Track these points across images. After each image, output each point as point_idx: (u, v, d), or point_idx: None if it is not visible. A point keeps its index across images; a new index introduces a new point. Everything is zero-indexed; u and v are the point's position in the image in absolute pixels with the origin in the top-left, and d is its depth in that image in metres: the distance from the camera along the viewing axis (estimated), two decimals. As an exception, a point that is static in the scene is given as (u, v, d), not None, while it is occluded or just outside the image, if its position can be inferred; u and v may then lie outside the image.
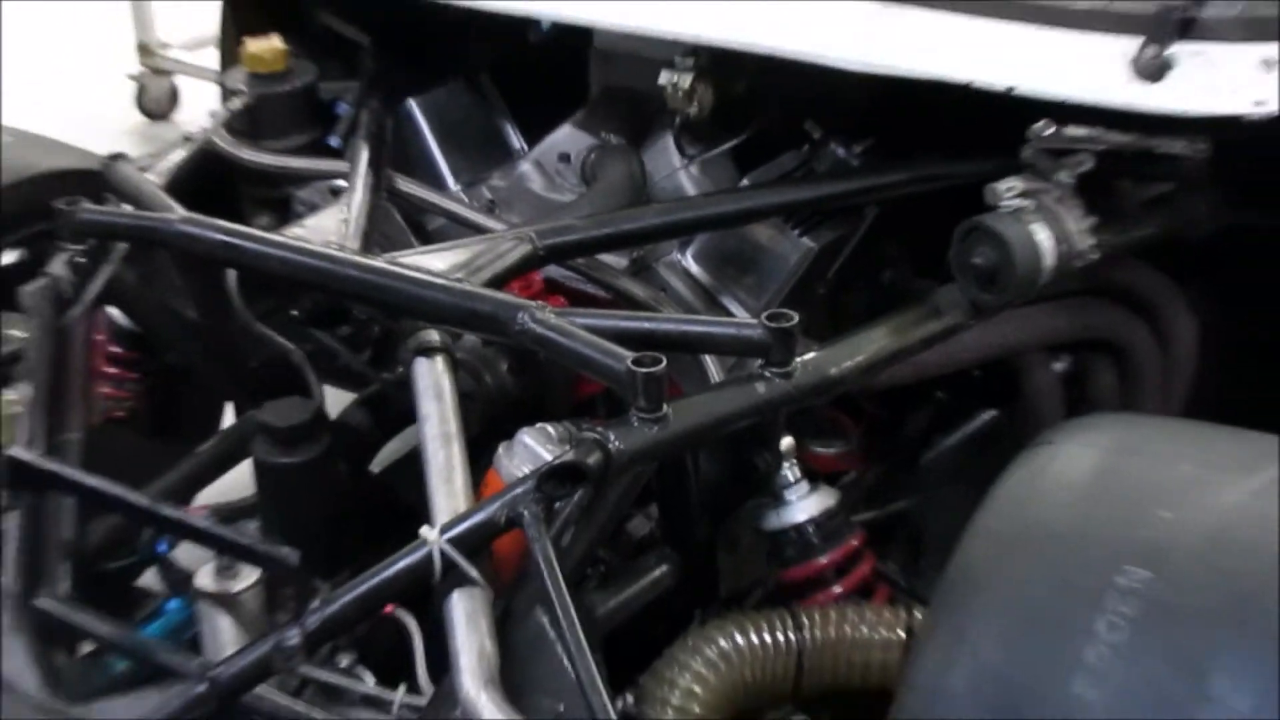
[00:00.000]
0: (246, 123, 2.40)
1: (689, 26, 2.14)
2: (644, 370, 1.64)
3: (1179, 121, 1.92)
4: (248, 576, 1.79)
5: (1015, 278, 1.87)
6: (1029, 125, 1.94)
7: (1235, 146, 1.94)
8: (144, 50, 5.32)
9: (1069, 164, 1.93)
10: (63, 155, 2.47)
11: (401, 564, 1.61)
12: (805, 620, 1.75)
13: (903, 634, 1.75)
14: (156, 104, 5.40)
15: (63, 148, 2.50)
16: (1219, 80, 1.91)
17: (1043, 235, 1.87)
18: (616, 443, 1.64)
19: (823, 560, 1.85)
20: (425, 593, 1.63)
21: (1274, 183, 2.00)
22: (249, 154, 2.37)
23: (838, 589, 1.86)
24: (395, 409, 2.11)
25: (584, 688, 1.52)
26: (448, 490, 1.72)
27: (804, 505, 1.85)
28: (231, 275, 2.18)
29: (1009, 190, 1.91)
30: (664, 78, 2.16)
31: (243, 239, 2.01)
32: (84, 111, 5.37)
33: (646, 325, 1.86)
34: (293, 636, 1.61)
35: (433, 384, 1.84)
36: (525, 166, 2.39)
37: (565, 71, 2.43)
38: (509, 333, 1.79)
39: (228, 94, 2.45)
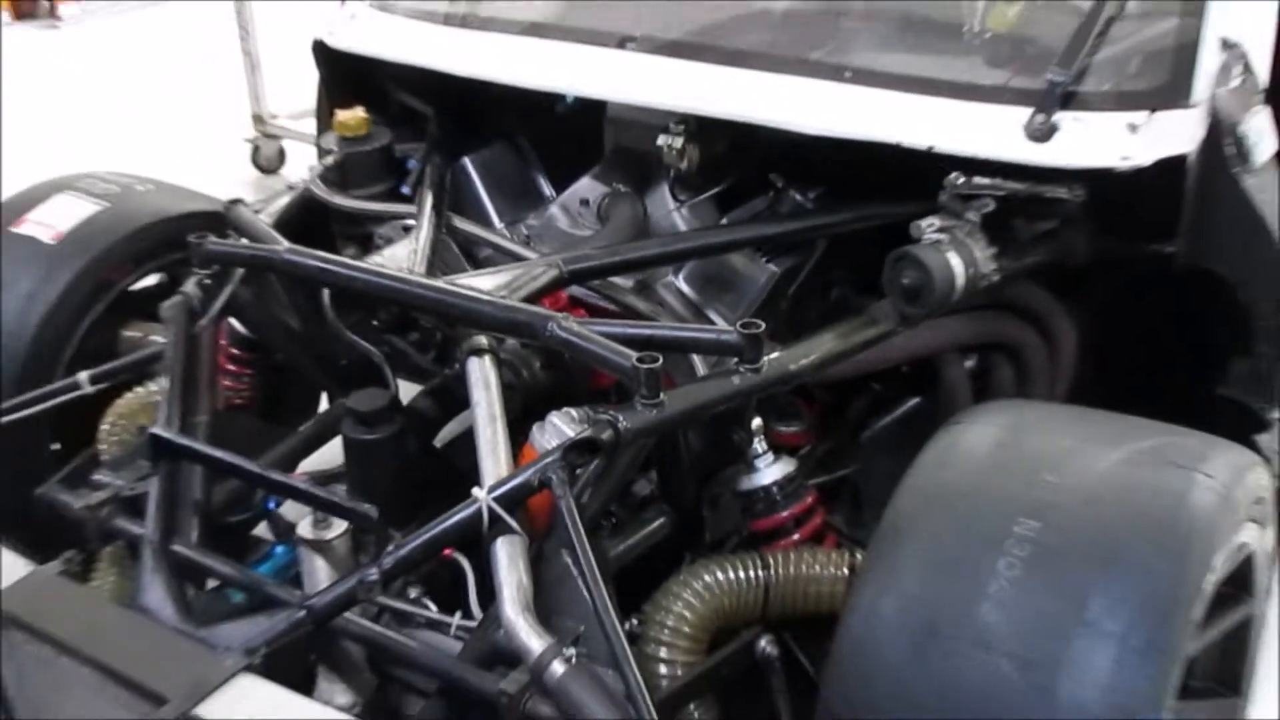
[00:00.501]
0: (337, 175, 2.38)
1: (680, 100, 2.13)
2: (645, 366, 1.64)
3: (1062, 173, 1.90)
4: (338, 527, 1.79)
5: (934, 295, 1.85)
6: (945, 176, 1.92)
7: (1104, 192, 1.92)
8: (257, 120, 5.31)
9: (975, 206, 1.90)
10: (193, 200, 2.44)
11: (458, 517, 1.61)
12: (771, 561, 1.74)
13: (847, 571, 1.73)
14: (268, 161, 5.38)
15: (192, 194, 2.48)
16: (1093, 141, 1.90)
17: (955, 261, 1.85)
18: (624, 423, 1.63)
19: (784, 514, 1.84)
20: (476, 539, 1.62)
21: (1133, 220, 1.98)
22: (339, 199, 2.34)
23: (796, 536, 1.84)
24: (453, 397, 2.08)
25: (599, 613, 1.51)
26: (494, 460, 1.72)
27: (770, 471, 1.83)
28: (325, 294, 2.18)
29: (929, 226, 1.88)
30: (661, 140, 2.15)
31: (335, 265, 2.01)
32: (210, 167, 5.36)
33: (646, 331, 1.86)
34: (372, 574, 1.60)
35: (482, 378, 1.84)
36: (554, 209, 2.37)
37: (585, 135, 2.41)
38: (540, 337, 1.79)
39: (322, 153, 2.43)
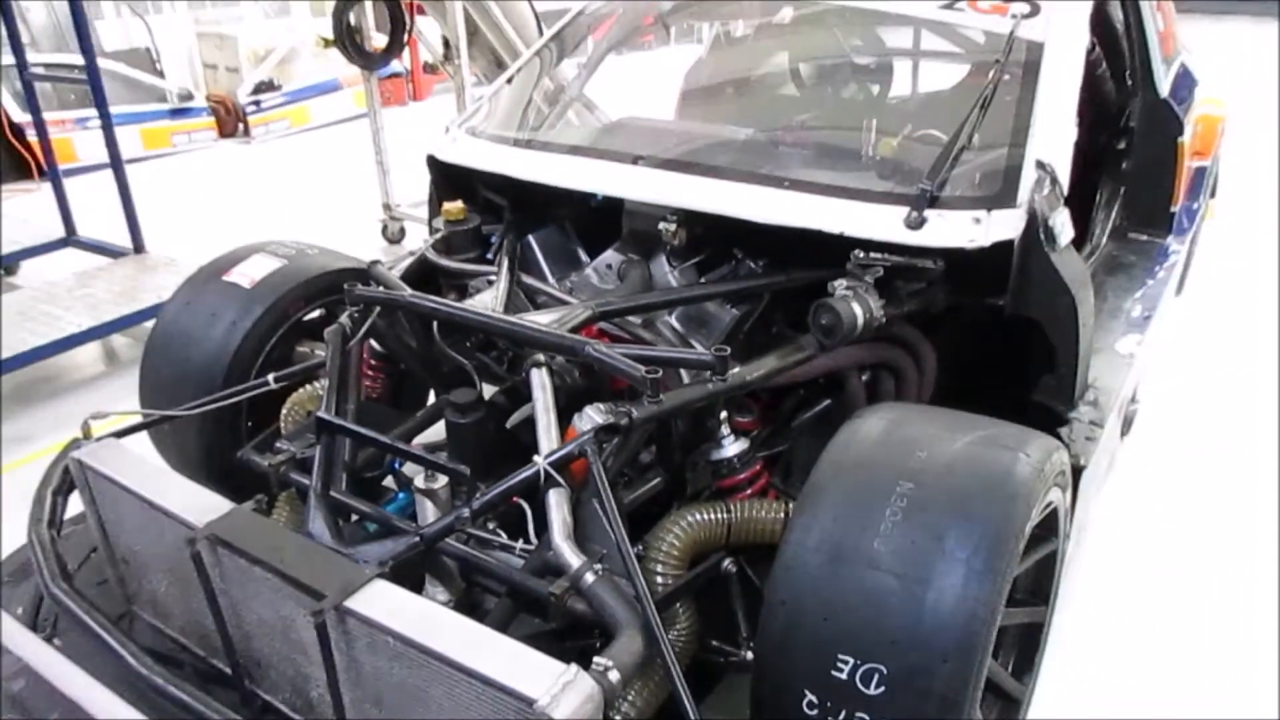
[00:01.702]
0: (444, 245, 2.36)
1: (674, 198, 2.11)
2: (650, 376, 1.63)
3: (928, 250, 1.89)
4: (441, 480, 1.76)
5: (843, 331, 1.84)
6: (849, 252, 1.91)
7: (957, 263, 1.92)
8: (386, 207, 5.29)
9: (871, 272, 1.88)
10: (343, 260, 2.41)
11: (523, 475, 1.60)
12: (732, 507, 1.72)
13: (783, 515, 1.72)
14: (392, 236, 5.35)
15: (342, 256, 2.46)
16: (950, 229, 1.88)
17: (857, 309, 1.84)
18: (636, 413, 1.63)
19: (741, 476, 1.82)
20: (534, 491, 1.61)
21: (975, 282, 1.96)
22: (445, 262, 2.32)
23: (749, 491, 1.82)
24: (519, 395, 2.05)
25: (618, 541, 1.51)
26: (548, 437, 1.70)
27: (732, 448, 1.81)
28: (435, 325, 2.16)
29: (840, 285, 1.88)
30: (661, 225, 2.12)
31: (443, 306, 2.00)
32: (354, 238, 5.36)
33: (651, 352, 1.84)
34: (465, 513, 1.59)
35: (540, 382, 1.82)
36: (588, 271, 2.34)
37: (609, 221, 2.37)
38: (579, 355, 1.78)
39: (433, 230, 2.40)
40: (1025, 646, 1.80)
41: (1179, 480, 3.00)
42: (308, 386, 2.11)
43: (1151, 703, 2.19)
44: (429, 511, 1.78)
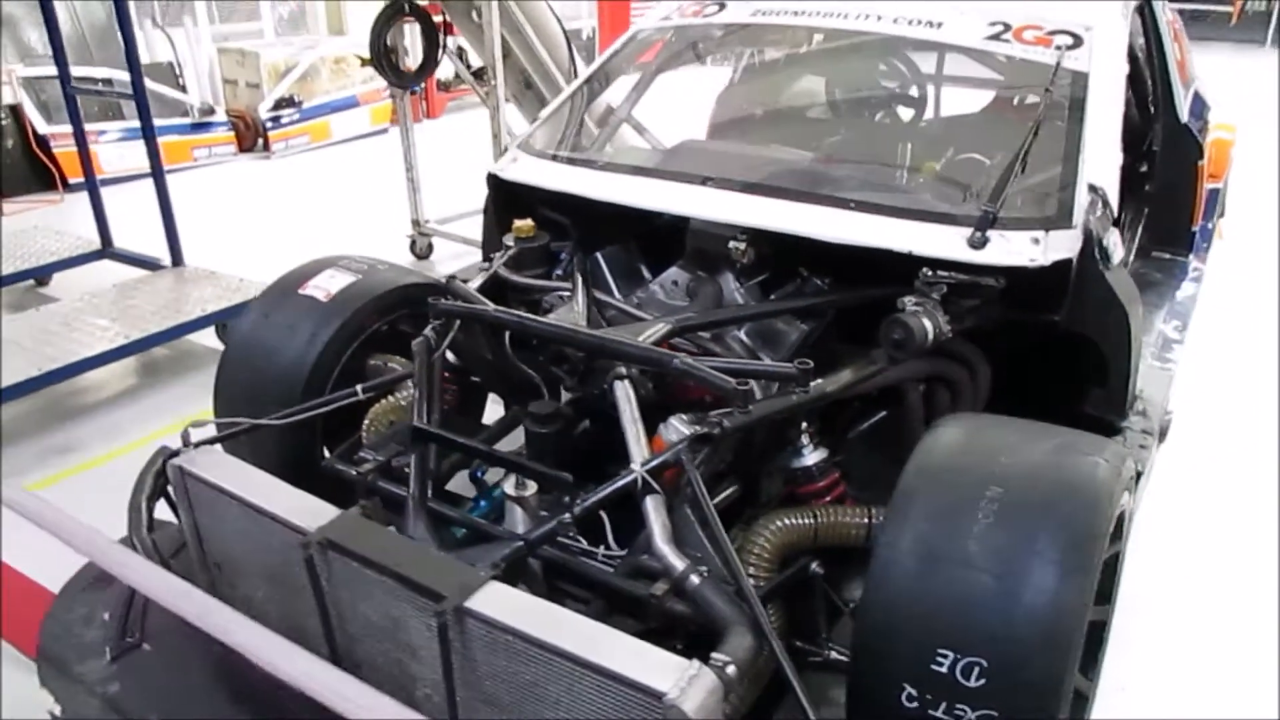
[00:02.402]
0: (514, 263, 2.40)
1: (744, 218, 2.15)
2: (742, 388, 1.69)
3: (990, 269, 1.94)
4: (531, 487, 1.81)
5: (914, 346, 1.87)
6: (910, 272, 1.96)
7: (1015, 281, 1.95)
8: (415, 223, 5.35)
9: (937, 289, 1.93)
10: (411, 275, 2.44)
11: (621, 482, 1.64)
12: (818, 513, 1.77)
13: (865, 520, 1.76)
14: (421, 252, 5.40)
15: (410, 271, 2.49)
16: (1011, 249, 1.94)
17: (927, 324, 1.88)
18: (727, 423, 1.68)
19: (821, 484, 1.87)
20: (623, 501, 1.65)
21: (1032, 300, 2.00)
22: (516, 278, 2.35)
23: (827, 498, 1.87)
24: (588, 406, 2.05)
25: (720, 544, 1.57)
26: (639, 446, 1.73)
27: (811, 456, 1.86)
28: (507, 338, 2.16)
29: (909, 301, 1.92)
30: (731, 244, 2.15)
31: (530, 320, 2.03)
32: (380, 253, 5.42)
33: (736, 365, 1.89)
34: (567, 517, 1.64)
35: (625, 394, 1.85)
36: (654, 287, 2.36)
37: (671, 241, 2.40)
38: (669, 369, 1.81)
39: (505, 248, 2.42)
40: (1090, 645, 1.85)
41: (1184, 483, 3.08)
42: (389, 398, 2.15)
43: (1151, 702, 2.26)
44: (518, 518, 1.83)
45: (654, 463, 1.65)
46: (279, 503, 1.69)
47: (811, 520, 1.75)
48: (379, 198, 6.69)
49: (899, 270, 2.00)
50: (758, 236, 2.16)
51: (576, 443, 2.04)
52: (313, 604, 1.64)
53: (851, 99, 3.15)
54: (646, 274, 2.44)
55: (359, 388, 2.06)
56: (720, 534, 1.54)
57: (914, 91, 3.26)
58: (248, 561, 1.80)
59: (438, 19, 4.94)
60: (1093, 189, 2.03)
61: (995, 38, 2.41)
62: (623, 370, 1.90)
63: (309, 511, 1.66)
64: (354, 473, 1.94)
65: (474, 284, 2.29)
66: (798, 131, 3.00)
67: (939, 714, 1.41)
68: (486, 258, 2.74)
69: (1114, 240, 2.02)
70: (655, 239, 2.46)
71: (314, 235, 5.84)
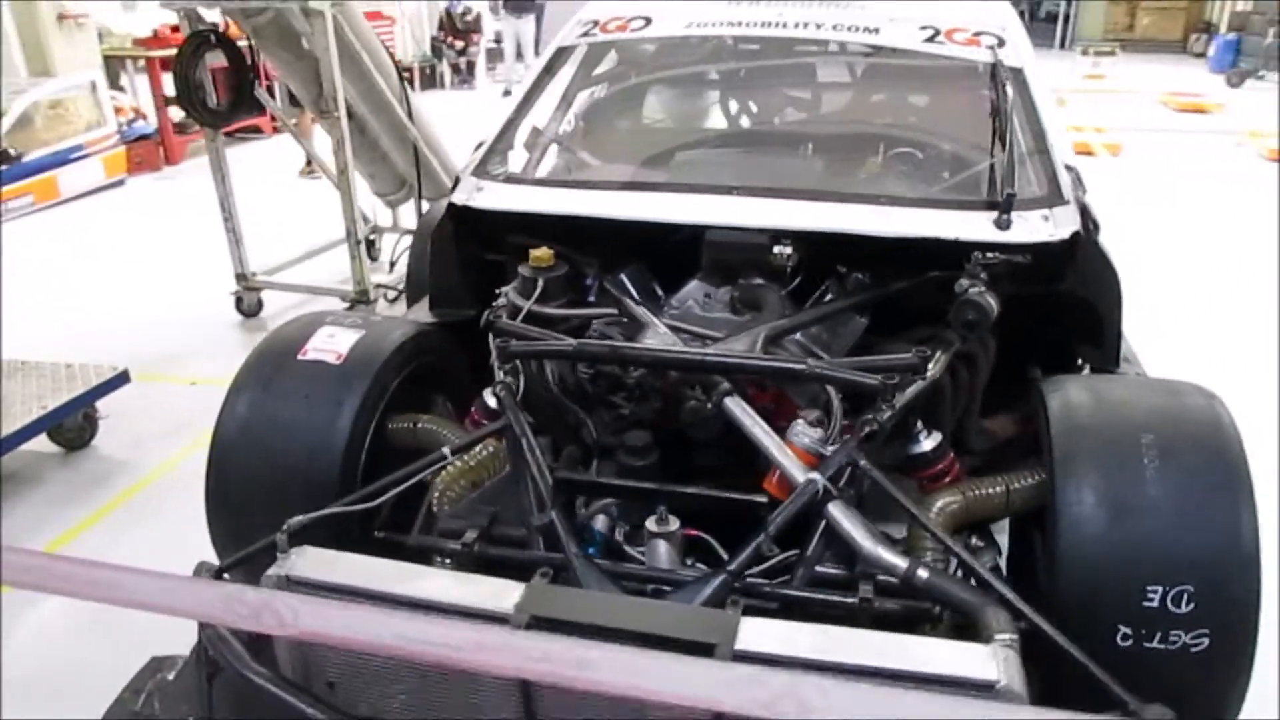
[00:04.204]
0: (534, 294, 2.18)
1: (790, 221, 2.14)
2: (890, 384, 1.72)
3: (1018, 246, 2.05)
4: (674, 522, 1.72)
5: (986, 324, 1.96)
6: (924, 262, 2.08)
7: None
8: (240, 278, 4.79)
9: (982, 268, 2.00)
10: (411, 325, 2.23)
11: (804, 497, 1.62)
12: (966, 491, 1.81)
13: (1003, 489, 1.81)
14: (249, 308, 4.84)
15: (408, 321, 2.29)
16: (1031, 227, 2.07)
17: (992, 302, 1.96)
18: (884, 418, 1.71)
19: (939, 466, 1.91)
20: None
21: (1039, 271, 2.11)
22: (552, 310, 2.15)
23: (946, 479, 1.91)
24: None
25: (934, 534, 1.60)
26: (786, 456, 1.72)
27: (928, 442, 1.90)
28: (550, 371, 2.04)
29: (968, 284, 1.98)
30: (776, 249, 2.11)
31: (624, 347, 1.92)
32: (205, 315, 4.82)
33: (861, 362, 1.91)
34: (762, 540, 1.59)
35: (742, 409, 1.81)
36: (689, 302, 2.25)
37: (681, 255, 2.30)
38: (802, 377, 1.80)
39: (523, 280, 2.20)
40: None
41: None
42: (457, 462, 1.91)
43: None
44: (661, 554, 1.73)
45: (832, 469, 1.63)
46: (440, 591, 1.48)
47: (962, 498, 1.80)
48: (166, 256, 5.93)
49: (917, 259, 2.11)
50: (799, 240, 2.15)
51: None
52: (499, 694, 1.45)
53: (808, 100, 3.16)
54: (658, 290, 2.34)
55: (446, 450, 1.84)
56: (931, 523, 1.57)
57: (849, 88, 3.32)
58: (389, 668, 1.54)
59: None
60: (1069, 168, 2.27)
61: (930, 40, 2.62)
62: (728, 386, 1.85)
63: (483, 594, 1.47)
64: (457, 545, 1.73)
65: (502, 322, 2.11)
66: (775, 136, 3.01)
67: (1154, 645, 1.53)
68: (441, 301, 2.54)
69: (1095, 211, 2.26)
70: (663, 256, 2.37)
71: (112, 304, 5.07)
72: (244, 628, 0.99)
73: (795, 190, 2.26)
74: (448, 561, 1.74)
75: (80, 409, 3.39)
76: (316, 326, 2.12)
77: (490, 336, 2.12)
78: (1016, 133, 2.29)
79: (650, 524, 1.72)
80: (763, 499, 1.67)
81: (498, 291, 2.27)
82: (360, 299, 4.52)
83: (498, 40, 15.59)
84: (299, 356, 2.04)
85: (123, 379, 3.50)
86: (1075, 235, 2.11)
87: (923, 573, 1.52)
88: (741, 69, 3.21)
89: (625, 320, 2.14)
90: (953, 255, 2.09)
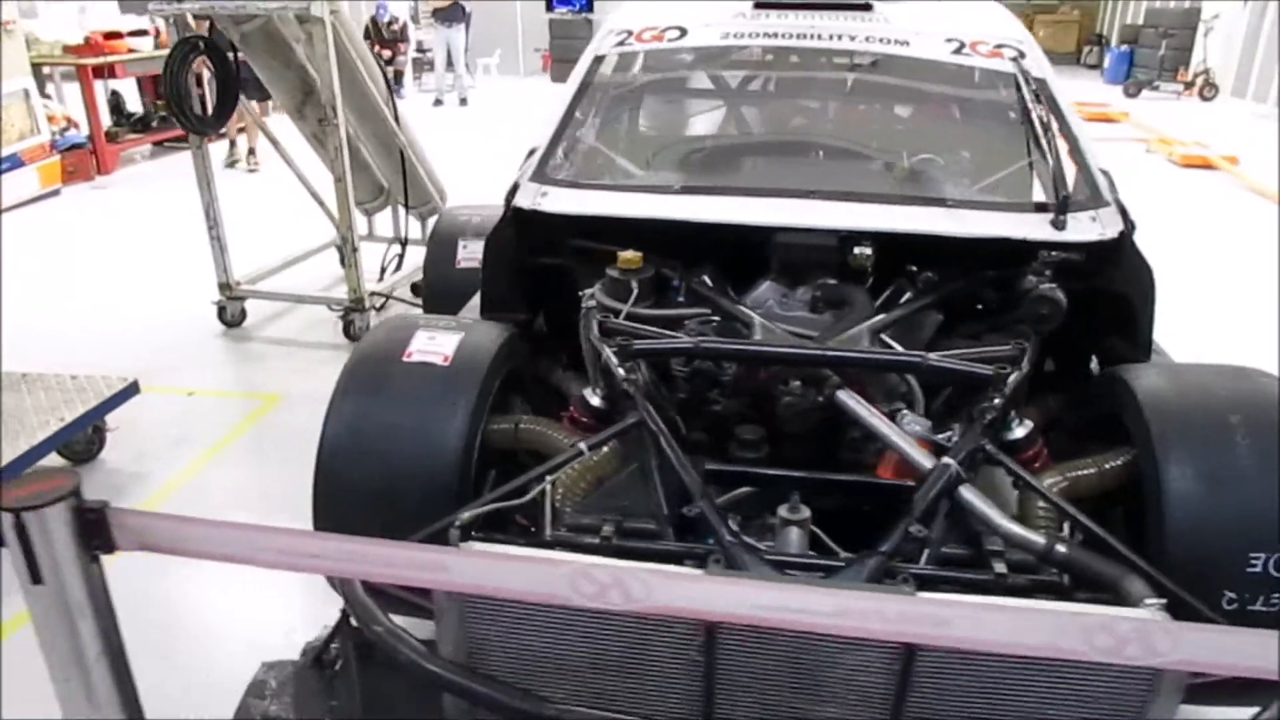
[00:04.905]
0: (622, 292, 2.25)
1: (871, 223, 2.23)
2: (1003, 373, 1.83)
3: (1073, 245, 2.20)
4: (804, 511, 1.76)
5: (1059, 318, 2.08)
6: (992, 262, 2.21)
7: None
8: (224, 287, 4.62)
9: (1046, 266, 2.15)
10: (504, 326, 2.23)
11: (941, 481, 1.69)
12: (1065, 473, 1.91)
13: (1097, 469, 1.90)
14: (233, 318, 4.67)
15: (495, 323, 2.27)
16: (1083, 227, 2.23)
17: (1062, 297, 2.09)
18: (998, 406, 1.81)
19: (1030, 452, 1.96)
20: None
21: (1083, 267, 2.26)
22: (648, 310, 2.21)
23: (1036, 465, 1.95)
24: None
25: (1071, 514, 1.72)
26: (910, 445, 1.80)
27: (1020, 429, 1.95)
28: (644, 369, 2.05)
29: (1038, 280, 2.11)
30: (856, 250, 2.21)
31: (746, 344, 1.98)
32: (184, 327, 4.64)
33: (967, 354, 2.01)
34: (912, 525, 1.66)
35: (856, 402, 1.90)
36: (770, 302, 2.32)
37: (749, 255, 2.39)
38: (920, 369, 1.90)
39: (611, 281, 2.26)
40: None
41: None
42: (583, 457, 1.90)
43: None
44: (792, 540, 1.78)
45: (962, 454, 1.72)
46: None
47: (1064, 479, 1.89)
48: (123, 266, 5.69)
49: (975, 258, 2.24)
50: (874, 240, 2.25)
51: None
52: (678, 683, 1.49)
53: (849, 107, 3.24)
54: (730, 292, 2.38)
55: (582, 445, 1.85)
56: (1061, 501, 1.67)
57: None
58: (562, 661, 1.56)
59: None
60: (1103, 171, 2.44)
61: (957, 52, 2.77)
62: (838, 380, 1.94)
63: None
64: (595, 539, 1.75)
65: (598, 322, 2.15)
66: (825, 142, 3.03)
67: (1258, 607, 1.65)
68: (492, 305, 2.54)
69: (1131, 212, 2.43)
70: (730, 257, 2.44)
71: (80, 316, 4.83)
72: (587, 605, 1.00)
73: (862, 194, 2.35)
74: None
75: (93, 422, 3.24)
76: (411, 330, 2.11)
77: (587, 335, 2.15)
78: (1056, 139, 2.44)
79: (783, 511, 1.77)
80: (910, 483, 1.74)
81: (582, 293, 2.29)
82: (355, 307, 4.43)
83: (420, 50, 15.45)
84: (403, 358, 2.02)
85: (132, 390, 3.36)
86: (1121, 234, 2.28)
87: (1060, 548, 1.61)
88: (779, 77, 3.31)
89: (717, 320, 2.19)
90: (1006, 254, 2.24)
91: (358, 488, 1.92)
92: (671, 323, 2.19)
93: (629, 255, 2.24)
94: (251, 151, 8.41)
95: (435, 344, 2.06)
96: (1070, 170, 2.44)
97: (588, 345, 2.17)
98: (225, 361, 4.34)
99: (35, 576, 1.03)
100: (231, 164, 8.68)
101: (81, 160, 8.08)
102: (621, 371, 1.94)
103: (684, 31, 2.89)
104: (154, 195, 7.66)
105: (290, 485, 3.02)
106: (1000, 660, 1.34)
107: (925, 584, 1.66)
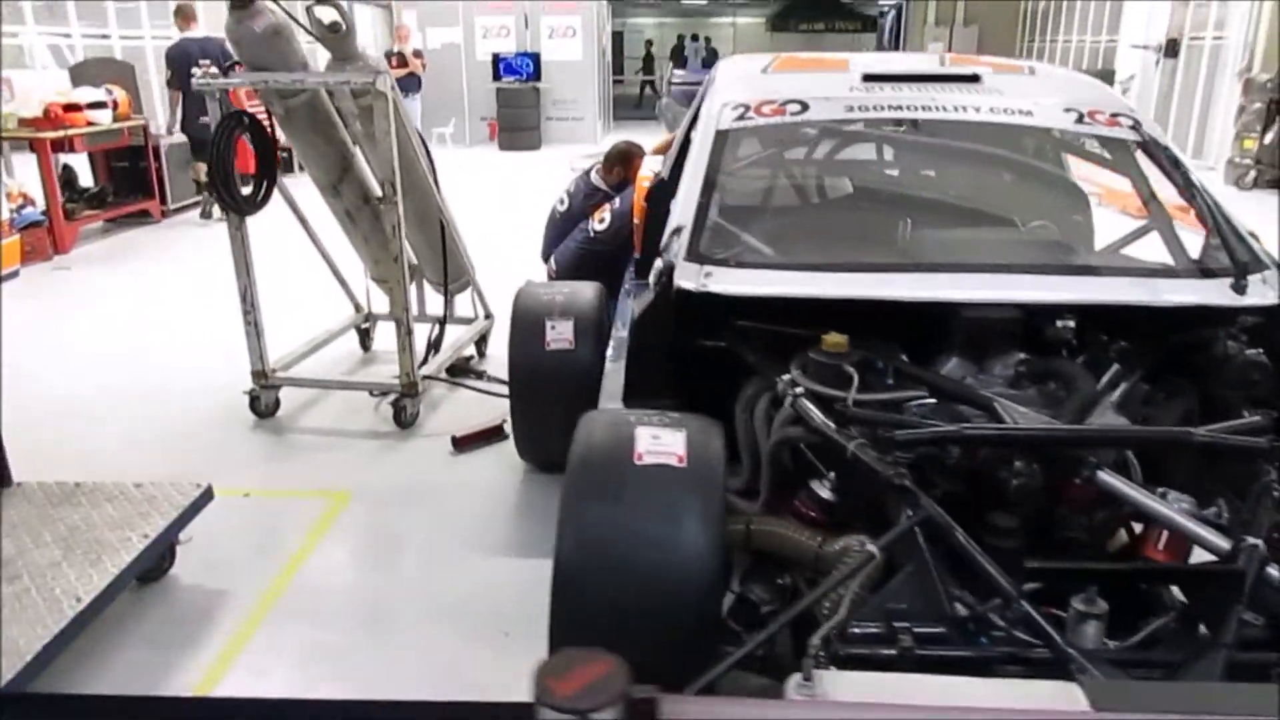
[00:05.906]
0: (830, 376, 2.13)
1: (1072, 297, 2.24)
2: (1276, 445, 1.80)
3: (1257, 310, 2.24)
4: (1101, 605, 1.67)
5: (1269, 381, 2.10)
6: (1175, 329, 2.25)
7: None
8: (258, 375, 4.30)
9: (1244, 331, 2.20)
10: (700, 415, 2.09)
11: (1254, 563, 1.65)
12: None
13: None
14: (266, 408, 4.33)
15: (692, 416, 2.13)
16: (1259, 290, 2.26)
17: (1268, 361, 2.12)
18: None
19: None
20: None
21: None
22: (865, 395, 2.08)
23: None
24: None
25: None
26: (1198, 524, 1.76)
27: None
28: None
29: (1238, 346, 2.15)
30: (1059, 323, 2.20)
31: (1009, 429, 1.92)
32: (212, 415, 4.32)
33: (1237, 425, 2.01)
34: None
35: (1120, 480, 1.85)
36: (949, 372, 2.27)
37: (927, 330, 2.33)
38: (1183, 443, 1.89)
39: (820, 365, 2.16)
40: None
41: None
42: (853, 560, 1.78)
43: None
44: (1089, 634, 1.69)
45: (1263, 529, 1.69)
46: (1000, 697, 1.38)
47: None
48: (118, 353, 5.30)
49: (1160, 324, 2.27)
50: (1073, 310, 2.23)
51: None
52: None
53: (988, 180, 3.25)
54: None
55: (873, 549, 1.73)
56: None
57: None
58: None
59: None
60: (1252, 234, 2.50)
61: (1079, 121, 2.82)
62: (1092, 459, 1.88)
63: (1046, 695, 1.38)
64: (893, 651, 1.63)
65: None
66: (974, 211, 3.05)
67: None
68: (639, 392, 2.41)
69: None
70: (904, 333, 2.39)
71: (96, 409, 4.45)
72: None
73: (1045, 266, 2.35)
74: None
75: (173, 536, 2.93)
76: (629, 427, 1.96)
77: (786, 422, 2.09)
78: (1214, 204, 2.49)
79: (1077, 603, 1.69)
80: (1239, 568, 1.68)
81: (781, 379, 2.18)
82: (408, 392, 4.20)
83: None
84: (635, 461, 1.87)
85: (207, 497, 3.06)
86: None
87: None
88: (904, 150, 3.32)
89: (934, 401, 2.12)
90: (1183, 321, 2.26)
91: (606, 603, 1.76)
92: (893, 407, 2.11)
93: (833, 338, 2.15)
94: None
95: (663, 444, 1.92)
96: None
97: (785, 432, 2.08)
98: (272, 457, 4.03)
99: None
100: (206, 215, 8.76)
101: (39, 239, 7.58)
102: (884, 464, 1.84)
103: (805, 106, 2.87)
104: (122, 275, 7.24)
105: (414, 592, 2.84)
106: None
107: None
